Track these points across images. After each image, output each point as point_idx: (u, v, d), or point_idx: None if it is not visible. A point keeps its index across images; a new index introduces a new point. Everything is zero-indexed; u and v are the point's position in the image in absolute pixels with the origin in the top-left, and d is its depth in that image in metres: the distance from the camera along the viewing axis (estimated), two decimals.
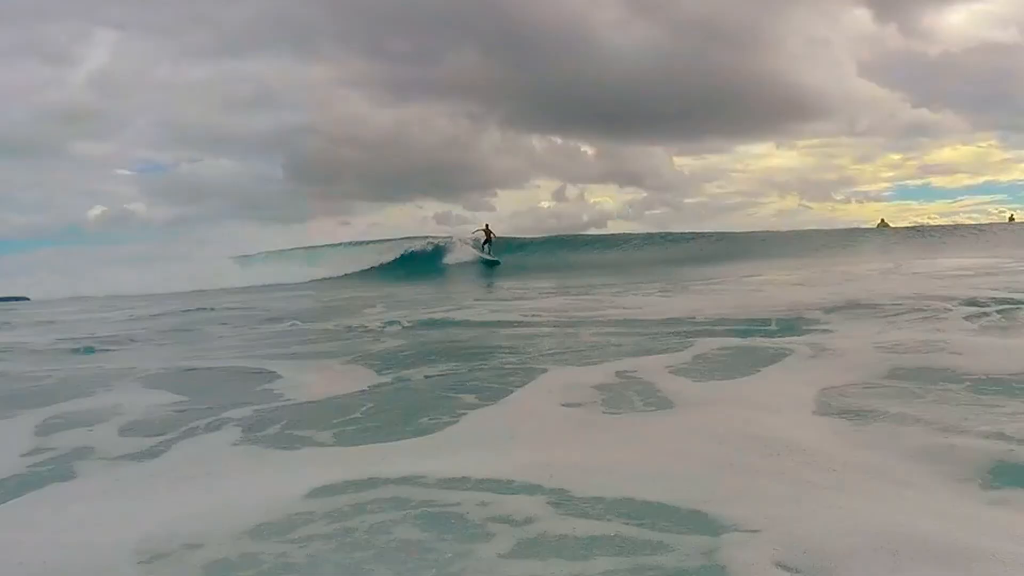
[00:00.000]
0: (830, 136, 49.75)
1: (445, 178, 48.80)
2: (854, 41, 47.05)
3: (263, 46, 56.39)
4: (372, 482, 2.59)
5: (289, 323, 9.50)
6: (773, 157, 52.05)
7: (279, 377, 5.07)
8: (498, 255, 31.71)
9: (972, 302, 6.90)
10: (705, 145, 58.01)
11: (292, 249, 38.24)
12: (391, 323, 8.23)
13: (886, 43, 45.21)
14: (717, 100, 43.76)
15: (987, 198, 44.29)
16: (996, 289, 8.12)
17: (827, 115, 47.94)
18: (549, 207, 48.69)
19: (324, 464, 2.85)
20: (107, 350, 7.45)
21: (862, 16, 46.51)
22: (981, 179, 42.79)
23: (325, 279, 28.87)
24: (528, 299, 11.33)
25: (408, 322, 8.24)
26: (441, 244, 33.70)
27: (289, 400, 4.26)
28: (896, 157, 47.06)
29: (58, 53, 53.00)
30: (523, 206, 58.24)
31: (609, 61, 42.81)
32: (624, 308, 8.73)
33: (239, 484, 2.69)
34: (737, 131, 53.33)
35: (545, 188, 60.55)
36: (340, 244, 38.60)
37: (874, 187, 47.76)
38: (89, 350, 7.38)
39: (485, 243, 32.43)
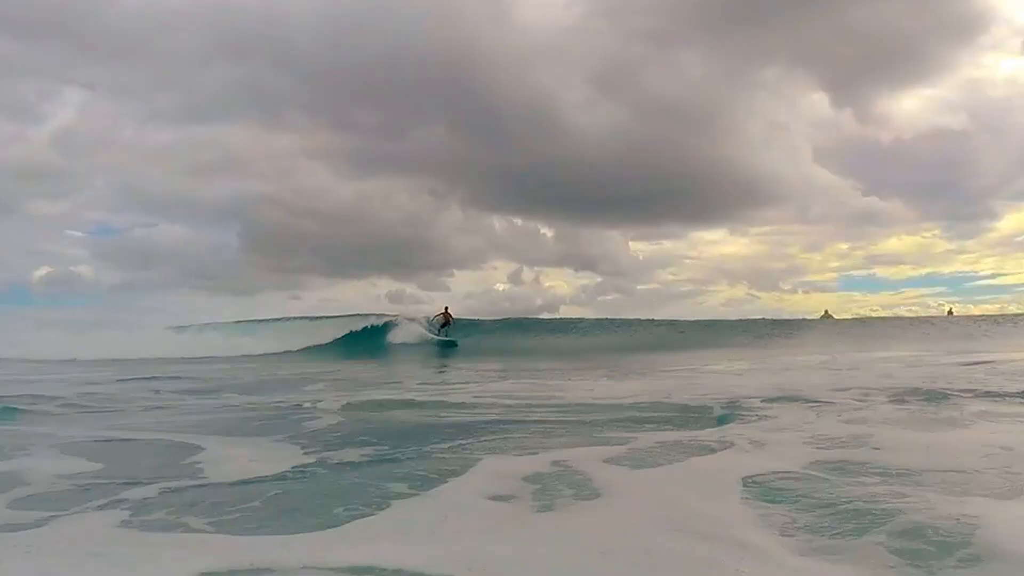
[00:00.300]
0: (782, 223, 51.49)
1: (402, 255, 48.71)
2: (811, 126, 49.31)
3: (230, 113, 56.66)
4: (260, 572, 2.43)
5: (225, 396, 9.20)
6: (726, 244, 53.85)
7: (201, 451, 4.87)
8: (455, 336, 31.77)
9: (899, 396, 7.13)
10: (662, 231, 59.41)
11: (238, 322, 37.48)
12: (329, 402, 8.03)
13: (842, 129, 47.61)
14: (677, 184, 45.16)
15: (928, 290, 46.32)
16: (925, 380, 8.42)
17: (781, 202, 49.84)
18: (504, 289, 48.91)
19: (213, 551, 2.66)
20: (30, 413, 7.10)
21: (820, 101, 49.02)
22: (924, 270, 44.90)
23: (269, 354, 28.23)
24: (474, 382, 11.22)
25: (347, 402, 8.03)
26: (393, 323, 33.54)
27: (203, 479, 4.06)
28: (844, 246, 49.10)
29: (25, 110, 52.44)
30: (478, 287, 58.41)
31: (573, 142, 44.03)
32: (568, 394, 8.71)
33: (110, 569, 2.51)
34: (693, 216, 54.59)
35: (502, 270, 60.93)
36: (289, 319, 37.95)
37: (821, 277, 49.45)
38: (8, 412, 7.02)
39: (443, 326, 32.55)
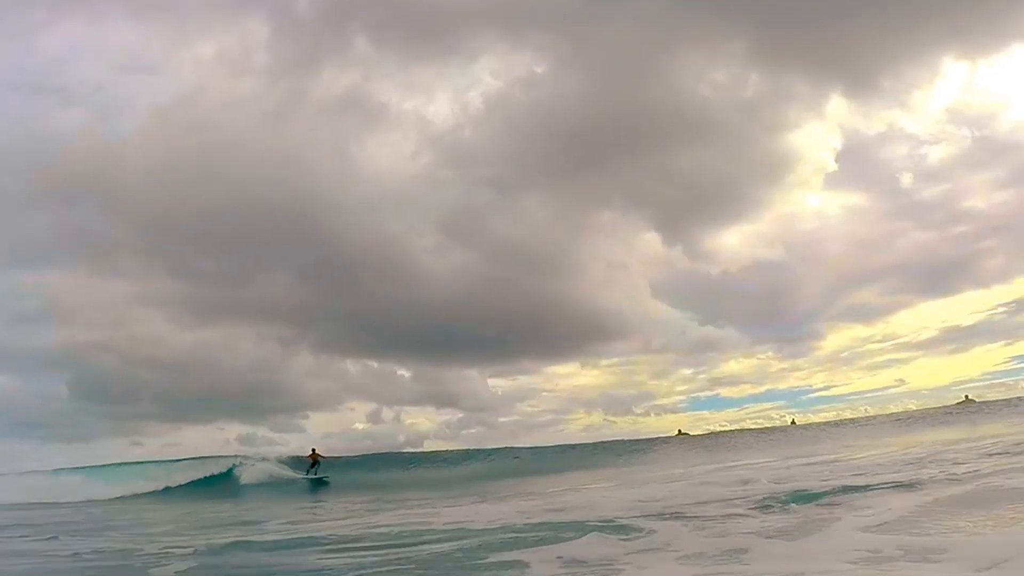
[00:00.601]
0: (629, 354, 54.64)
1: (251, 400, 45.70)
2: (647, 264, 53.37)
3: (58, 259, 52.46)
4: None
5: (64, 541, 8.28)
6: (579, 376, 56.11)
7: None
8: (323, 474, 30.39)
9: (759, 503, 7.40)
10: (517, 367, 60.88)
11: (76, 468, 33.48)
12: (175, 547, 7.44)
13: (674, 265, 51.85)
14: (528, 324, 46.70)
15: (769, 404, 50.17)
16: (779, 482, 9.05)
17: (626, 334, 52.75)
18: (363, 428, 47.02)
19: None
20: None
21: (653, 240, 53.43)
22: (763, 388, 48.82)
23: (113, 499, 25.36)
24: (340, 518, 10.78)
25: (194, 546, 7.49)
26: (245, 462, 31.47)
27: None
28: (688, 371, 52.69)
29: None
30: (336, 427, 55.99)
31: (425, 286, 44.75)
32: (440, 519, 8.62)
33: None
34: (546, 353, 56.50)
35: (360, 410, 58.94)
36: (133, 463, 34.39)
37: (670, 400, 52.36)
38: None
39: (313, 466, 31.22)
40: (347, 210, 44.19)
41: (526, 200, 48.34)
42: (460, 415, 53.33)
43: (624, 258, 51.14)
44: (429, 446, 38.12)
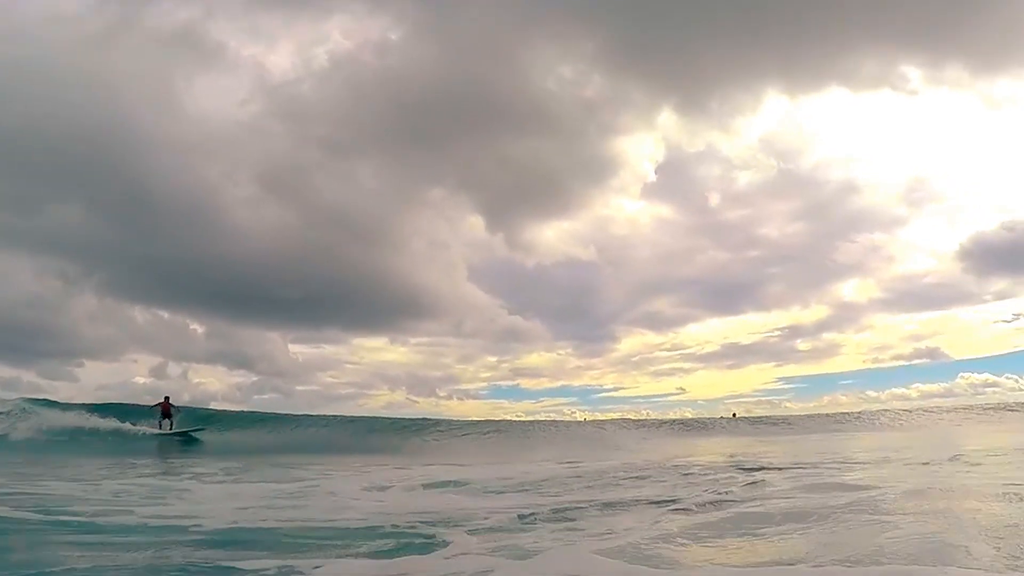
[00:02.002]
0: (439, 335, 54.82)
1: (19, 341, 40.04)
2: (469, 247, 53.52)
3: None
4: None
5: None
6: (387, 352, 55.38)
7: None
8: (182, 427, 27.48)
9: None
10: (323, 335, 58.55)
11: None
12: None
13: (494, 251, 52.56)
14: (340, 292, 45.21)
15: (563, 400, 52.58)
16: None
17: (438, 315, 52.84)
18: (144, 383, 42.89)
19: None
20: None
21: (477, 223, 53.68)
22: (559, 383, 51.08)
23: None
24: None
25: None
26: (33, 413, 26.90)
27: None
28: (493, 359, 53.93)
29: None
30: (113, 379, 50.85)
31: (234, 239, 41.70)
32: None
33: None
34: (355, 324, 54.96)
35: (143, 363, 53.82)
36: None
37: (473, 386, 53.33)
38: None
39: (165, 418, 27.80)
40: (160, 148, 40.07)
41: (356, 166, 46.72)
42: (254, 378, 50.39)
43: (447, 238, 51.05)
44: (215, 407, 35.45)
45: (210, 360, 51.47)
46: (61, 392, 42.36)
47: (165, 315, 48.89)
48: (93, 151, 38.11)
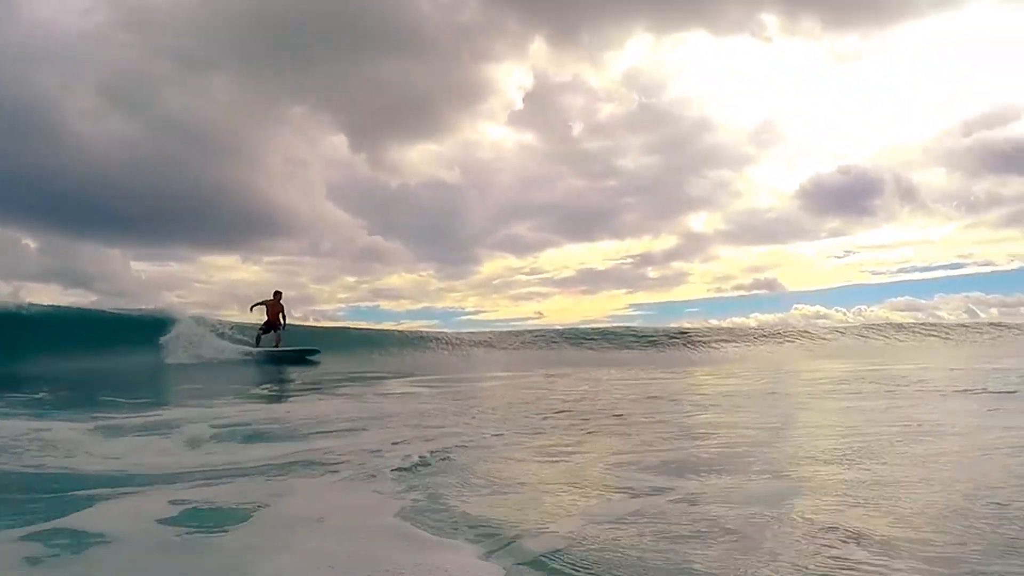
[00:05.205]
0: (295, 254, 52.13)
1: None
2: (329, 166, 50.83)
3: None
4: None
5: None
6: (239, 270, 51.68)
7: None
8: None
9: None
10: (170, 252, 53.98)
11: None
12: None
13: (356, 171, 50.23)
14: (189, 208, 41.47)
15: (424, 322, 51.90)
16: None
17: (294, 234, 50.15)
18: None
19: None
20: None
21: (340, 143, 50.98)
22: (420, 305, 50.29)
23: None
24: None
25: None
26: None
27: None
28: (351, 280, 51.99)
29: None
30: None
31: (73, 151, 36.86)
32: None
33: None
34: (205, 241, 51.26)
35: None
36: None
37: (330, 307, 51.31)
38: None
39: (271, 330, 18.94)
40: None
41: (212, 79, 42.37)
42: (92, 298, 45.32)
43: (306, 156, 47.96)
44: None
45: (43, 278, 45.80)
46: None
47: None
48: None
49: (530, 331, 30.04)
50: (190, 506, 3.30)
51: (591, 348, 27.95)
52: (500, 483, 3.74)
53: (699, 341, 29.92)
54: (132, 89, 39.63)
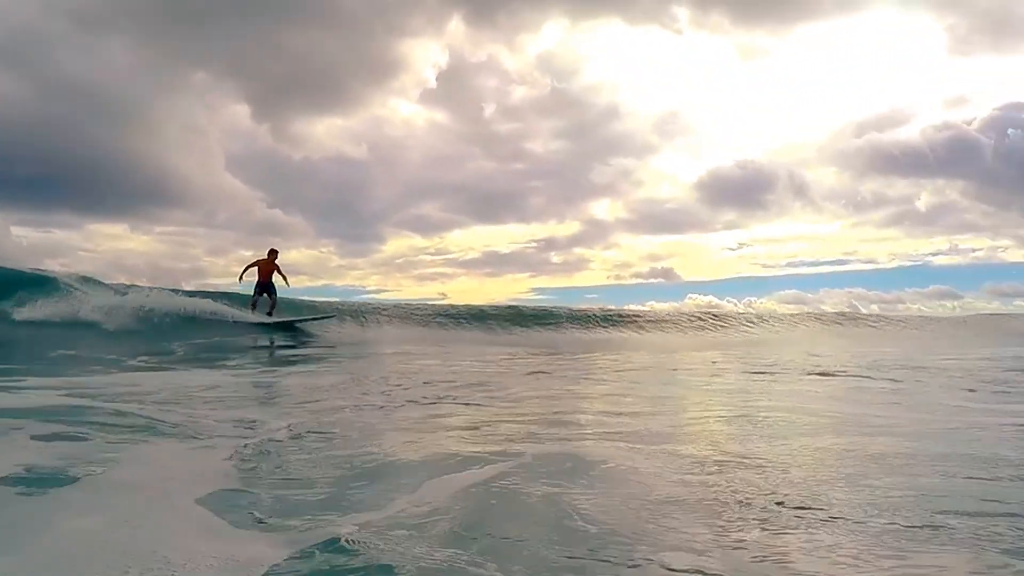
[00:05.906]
0: (188, 225, 49.80)
1: None
2: (229, 135, 48.70)
3: None
4: None
5: None
6: (127, 239, 48.94)
7: None
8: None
9: None
10: (53, 218, 50.53)
11: None
12: None
13: (258, 142, 48.34)
14: (75, 173, 38.92)
15: (323, 299, 51.13)
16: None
17: (188, 204, 47.87)
18: None
19: None
20: None
21: (241, 112, 49.07)
22: (320, 282, 49.22)
23: None
24: None
25: None
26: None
27: None
28: (247, 254, 50.22)
29: None
30: None
31: None
32: None
33: None
34: (92, 208, 48.34)
35: None
36: None
37: (224, 280, 49.30)
38: None
39: (263, 293, 17.29)
40: None
41: (108, 42, 39.67)
42: None
43: (205, 124, 45.72)
44: None
45: None
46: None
47: None
48: None
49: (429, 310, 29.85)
50: None
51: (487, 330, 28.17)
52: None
53: (597, 325, 30.80)
54: (21, 48, 36.80)
